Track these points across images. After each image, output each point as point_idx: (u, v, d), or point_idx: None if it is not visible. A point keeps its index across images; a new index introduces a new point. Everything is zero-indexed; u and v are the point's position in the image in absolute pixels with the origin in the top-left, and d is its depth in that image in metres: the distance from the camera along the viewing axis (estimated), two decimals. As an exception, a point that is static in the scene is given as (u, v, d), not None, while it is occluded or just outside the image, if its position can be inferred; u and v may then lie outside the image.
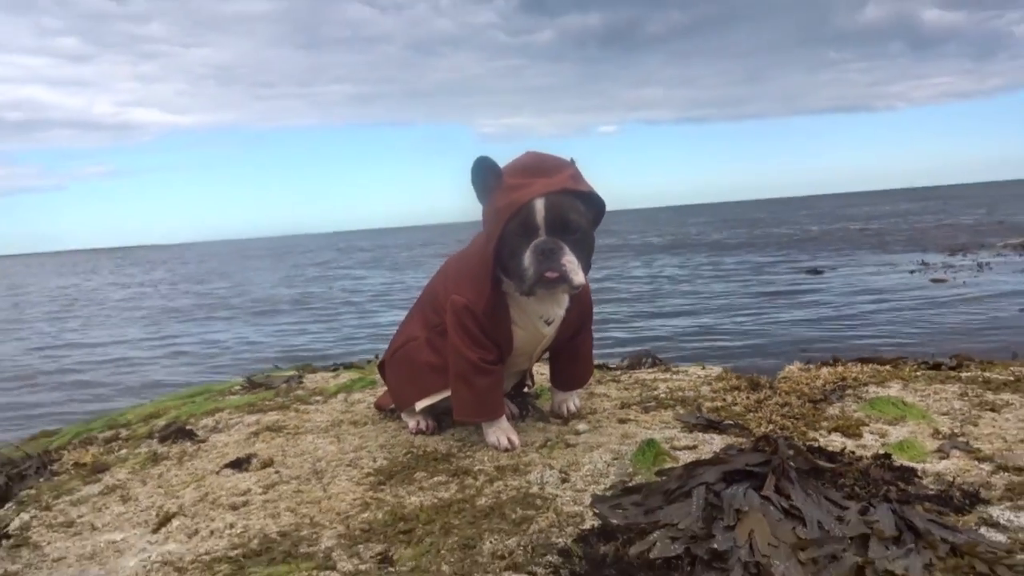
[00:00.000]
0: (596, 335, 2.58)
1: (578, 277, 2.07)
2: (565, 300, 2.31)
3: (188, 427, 2.75)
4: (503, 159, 2.19)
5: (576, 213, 2.09)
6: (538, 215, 2.05)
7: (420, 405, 2.43)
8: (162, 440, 2.65)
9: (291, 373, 3.65)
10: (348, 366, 3.81)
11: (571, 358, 2.49)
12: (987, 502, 1.71)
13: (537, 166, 2.14)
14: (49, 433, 3.09)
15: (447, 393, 2.36)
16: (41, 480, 2.44)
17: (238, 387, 3.42)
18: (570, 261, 2.05)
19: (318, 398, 3.09)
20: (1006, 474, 1.84)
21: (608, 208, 2.21)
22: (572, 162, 2.20)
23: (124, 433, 2.88)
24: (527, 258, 2.05)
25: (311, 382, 3.43)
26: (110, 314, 20.71)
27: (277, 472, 2.27)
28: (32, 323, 20.00)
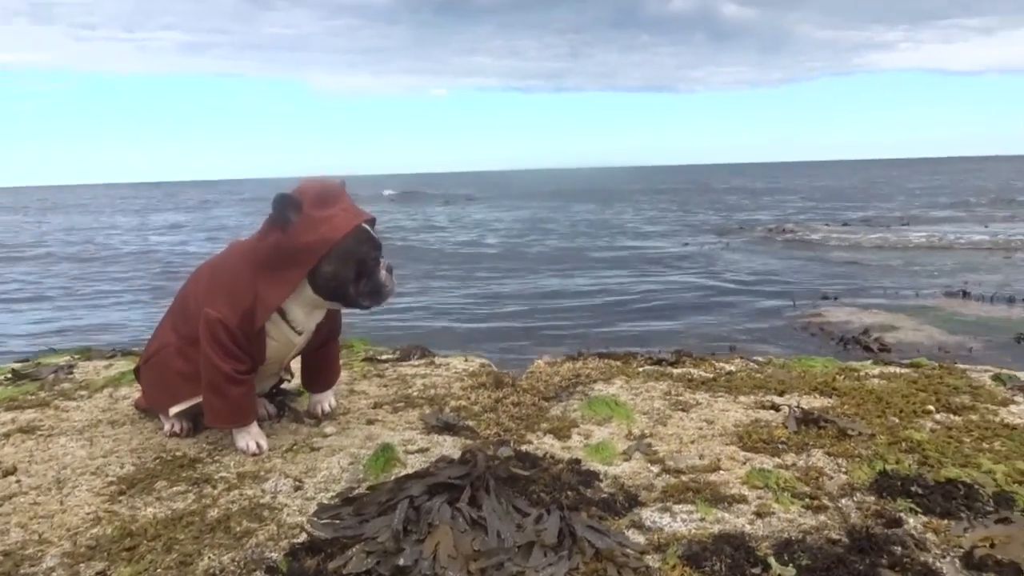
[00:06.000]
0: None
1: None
2: (321, 314, 2.51)
3: (-66, 429, 2.70)
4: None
5: None
6: (375, 238, 2.38)
7: (173, 411, 2.53)
8: (-99, 445, 2.59)
9: (63, 361, 3.59)
10: (126, 352, 3.79)
11: (320, 364, 2.71)
12: (644, 504, 2.04)
13: (330, 194, 2.36)
14: None
15: (199, 399, 2.47)
16: None
17: (3, 377, 3.34)
18: None
19: (83, 392, 3.09)
20: (668, 476, 2.20)
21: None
22: (343, 183, 2.45)
23: None
24: (383, 276, 2.38)
25: (82, 372, 3.41)
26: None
27: (19, 481, 2.30)
28: None
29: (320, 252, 2.29)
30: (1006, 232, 17.28)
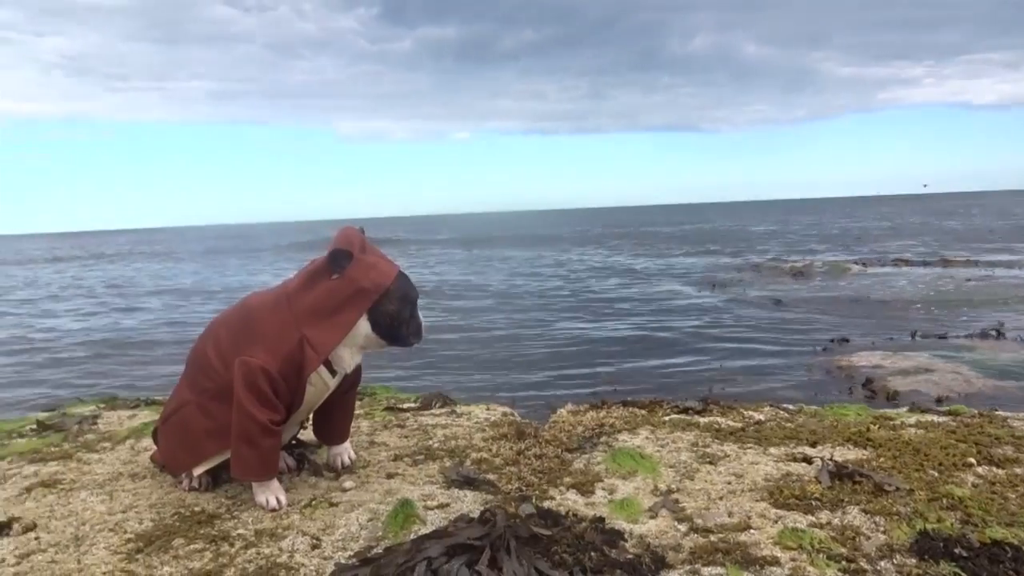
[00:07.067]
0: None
1: None
2: (361, 356, 2.59)
3: (-42, 482, 2.70)
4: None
5: None
6: (413, 283, 2.53)
7: (198, 471, 2.51)
8: (-76, 499, 2.59)
9: (88, 411, 3.60)
10: (151, 402, 3.78)
11: (341, 411, 2.69)
12: (671, 567, 1.97)
13: (367, 242, 2.51)
14: None
15: (224, 456, 2.45)
16: None
17: (29, 428, 3.34)
18: None
19: (106, 444, 3.08)
20: (696, 535, 2.11)
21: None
22: (363, 230, 2.56)
23: None
24: (421, 316, 2.55)
25: (106, 422, 3.40)
26: None
27: (37, 538, 2.28)
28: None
29: (374, 295, 2.43)
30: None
